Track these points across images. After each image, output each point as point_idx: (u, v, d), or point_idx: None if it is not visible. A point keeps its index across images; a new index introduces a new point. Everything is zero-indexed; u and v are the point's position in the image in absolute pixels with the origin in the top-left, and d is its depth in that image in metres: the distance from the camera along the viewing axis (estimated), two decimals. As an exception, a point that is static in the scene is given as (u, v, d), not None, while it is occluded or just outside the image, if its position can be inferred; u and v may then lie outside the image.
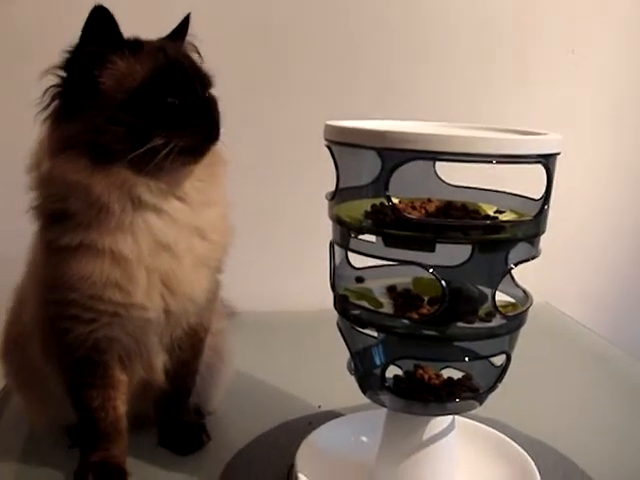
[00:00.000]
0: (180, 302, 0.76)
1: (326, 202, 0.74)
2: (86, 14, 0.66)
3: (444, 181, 0.77)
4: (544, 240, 0.69)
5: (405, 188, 0.67)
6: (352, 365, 0.74)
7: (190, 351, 0.85)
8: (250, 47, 1.33)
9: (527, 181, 0.76)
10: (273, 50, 1.36)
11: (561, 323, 1.40)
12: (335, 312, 0.75)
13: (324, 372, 1.08)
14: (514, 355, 0.71)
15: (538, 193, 0.69)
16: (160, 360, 0.83)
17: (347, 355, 0.76)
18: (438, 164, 0.75)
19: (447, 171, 0.75)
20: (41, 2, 1.23)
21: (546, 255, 0.72)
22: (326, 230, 0.78)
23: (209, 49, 1.30)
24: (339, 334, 0.75)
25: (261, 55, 1.35)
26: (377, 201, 0.69)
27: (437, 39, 1.40)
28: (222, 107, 0.75)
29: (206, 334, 0.87)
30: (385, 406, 0.73)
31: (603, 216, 1.58)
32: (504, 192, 0.73)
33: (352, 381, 0.76)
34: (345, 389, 0.84)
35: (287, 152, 1.39)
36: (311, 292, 1.32)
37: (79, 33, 0.67)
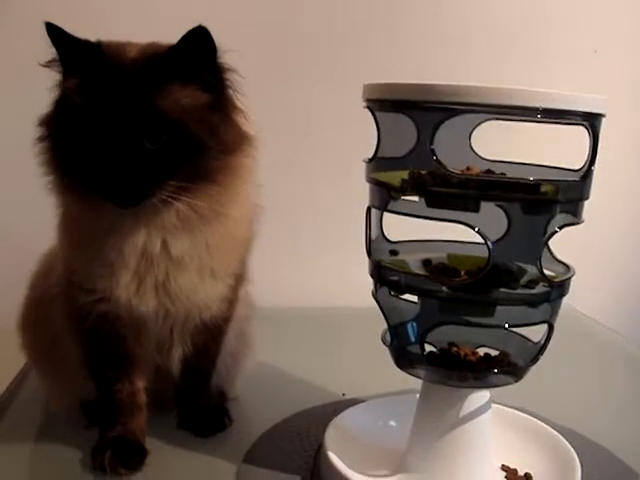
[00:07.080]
0: (179, 307, 0.74)
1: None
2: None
3: (479, 155, 0.76)
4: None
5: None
6: (388, 336, 0.72)
7: (209, 336, 0.83)
8: (279, 17, 1.31)
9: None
10: (304, 22, 1.33)
11: (580, 324, 1.38)
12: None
13: (348, 363, 1.09)
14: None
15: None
16: (176, 351, 0.81)
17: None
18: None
19: (479, 146, 0.74)
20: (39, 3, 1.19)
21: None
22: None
23: (238, 21, 1.27)
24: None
25: (291, 25, 1.33)
26: (415, 170, 0.68)
27: (458, 34, 1.39)
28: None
29: (227, 323, 0.84)
30: (421, 378, 0.71)
31: (622, 215, 1.57)
32: (542, 165, 0.72)
33: (376, 371, 0.75)
34: (369, 378, 0.82)
35: (305, 143, 1.35)
36: (327, 290, 1.31)
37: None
